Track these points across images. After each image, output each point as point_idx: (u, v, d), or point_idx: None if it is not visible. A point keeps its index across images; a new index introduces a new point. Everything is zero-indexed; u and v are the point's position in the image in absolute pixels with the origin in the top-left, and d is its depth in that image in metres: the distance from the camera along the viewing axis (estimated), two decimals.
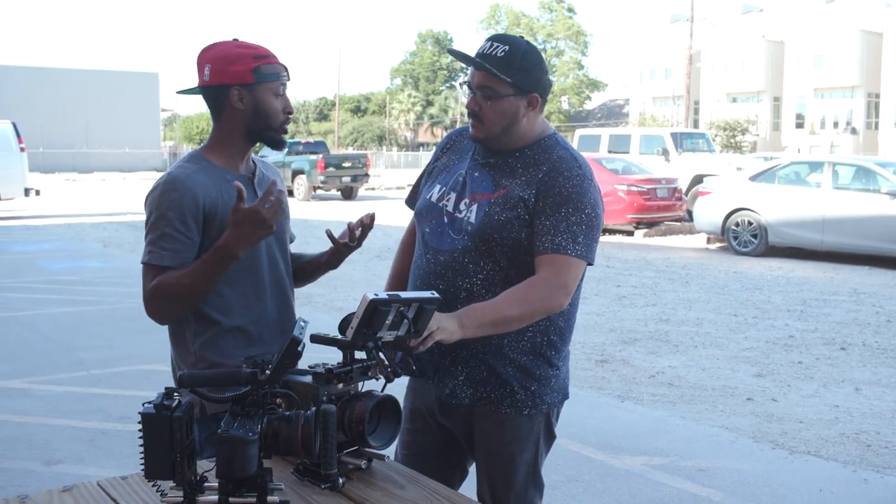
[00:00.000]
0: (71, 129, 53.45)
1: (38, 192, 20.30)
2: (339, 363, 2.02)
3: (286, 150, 28.56)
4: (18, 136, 19.48)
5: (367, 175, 27.88)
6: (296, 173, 27.06)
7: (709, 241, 15.69)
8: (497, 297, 2.33)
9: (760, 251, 13.88)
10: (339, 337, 2.00)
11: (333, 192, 28.41)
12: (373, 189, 33.47)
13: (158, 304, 2.33)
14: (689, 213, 17.29)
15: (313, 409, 1.81)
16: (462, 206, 2.48)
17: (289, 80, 2.49)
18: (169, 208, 2.32)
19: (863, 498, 4.44)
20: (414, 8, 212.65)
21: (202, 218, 2.36)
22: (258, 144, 2.51)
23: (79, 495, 1.93)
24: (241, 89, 2.39)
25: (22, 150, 19.54)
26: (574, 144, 22.43)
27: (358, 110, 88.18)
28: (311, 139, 33.74)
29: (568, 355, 2.63)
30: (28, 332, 7.90)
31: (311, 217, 20.28)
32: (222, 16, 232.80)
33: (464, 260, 2.43)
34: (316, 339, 2.12)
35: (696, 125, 55.83)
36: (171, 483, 1.80)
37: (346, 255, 2.63)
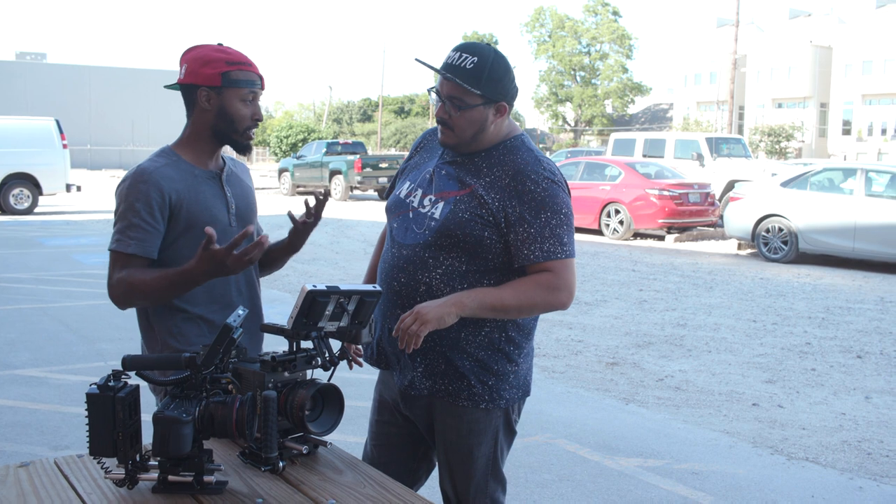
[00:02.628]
0: (118, 127, 54.41)
1: (79, 188, 20.77)
2: (284, 352, 2.11)
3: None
4: (61, 132, 19.92)
5: None
6: (333, 173, 27.32)
7: (739, 246, 15.58)
8: (502, 286, 2.45)
9: (790, 258, 13.75)
10: (284, 326, 2.09)
11: (370, 192, 28.63)
12: None
13: (122, 295, 2.44)
14: (722, 218, 17.17)
15: (250, 393, 1.90)
16: (426, 202, 2.55)
17: (262, 89, 2.58)
18: (137, 199, 2.44)
19: None
20: (458, 10, 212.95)
21: (168, 210, 2.47)
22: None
23: (34, 471, 2.04)
24: (210, 91, 2.50)
25: (64, 146, 19.98)
26: (609, 148, 22.54)
27: (401, 111, 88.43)
28: (349, 140, 34.00)
29: (530, 353, 2.68)
30: (54, 323, 8.12)
31: (347, 217, 20.48)
32: (265, 16, 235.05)
33: (424, 255, 2.51)
34: (264, 328, 2.21)
35: (740, 130, 55.28)
36: (115, 460, 1.91)
37: (307, 233, 2.69)
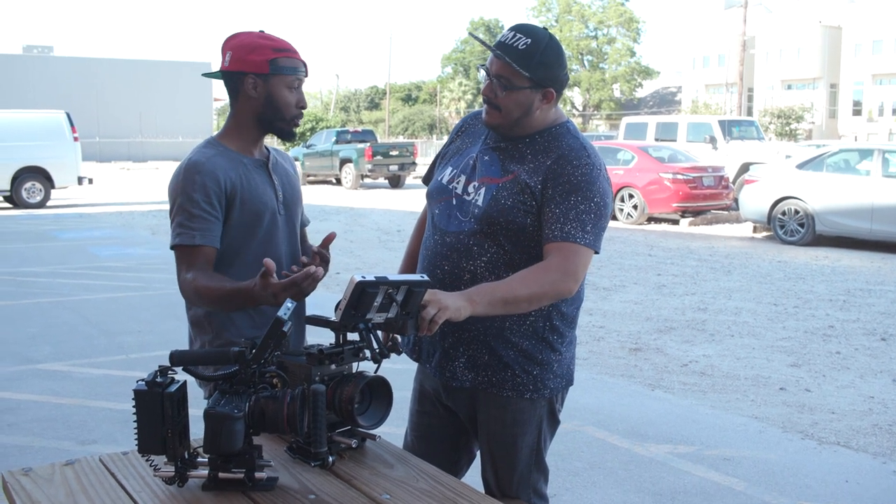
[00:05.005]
0: (126, 119, 54.37)
1: (91, 181, 20.76)
2: (331, 344, 2.07)
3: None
4: (72, 125, 19.91)
5: (414, 163, 27.95)
6: (343, 162, 27.27)
7: (755, 230, 15.49)
8: (508, 278, 2.35)
9: (807, 240, 13.66)
10: (332, 319, 2.05)
11: (381, 180, 28.58)
12: (420, 177, 33.56)
13: (191, 298, 2.42)
14: (737, 201, 17.07)
15: (300, 388, 1.86)
16: (471, 189, 2.50)
17: (306, 76, 2.55)
18: (194, 190, 2.39)
19: (890, 490, 4.38)
20: None
21: (224, 198, 2.43)
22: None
23: (80, 469, 2.00)
24: (257, 78, 2.46)
25: (75, 139, 19.97)
26: (620, 133, 22.43)
27: (409, 99, 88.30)
28: (359, 128, 33.95)
29: (573, 341, 2.63)
30: (73, 316, 8.10)
31: (358, 206, 20.45)
32: (272, 5, 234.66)
33: (469, 242, 2.46)
34: (310, 320, 2.17)
35: (749, 113, 54.97)
36: (164, 458, 1.87)
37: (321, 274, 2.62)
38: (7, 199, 19.82)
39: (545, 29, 2.44)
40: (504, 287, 2.31)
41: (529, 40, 2.36)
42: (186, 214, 2.39)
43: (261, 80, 2.46)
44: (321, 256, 2.47)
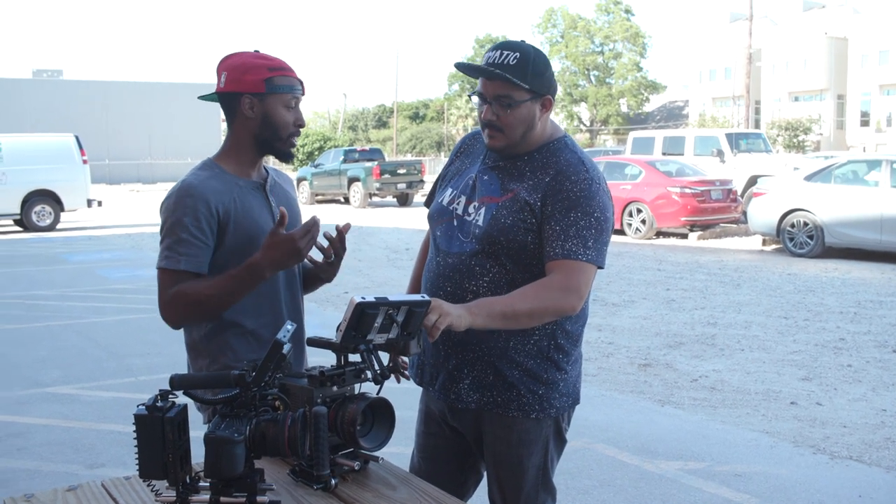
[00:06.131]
0: (135, 141, 54.63)
1: (100, 203, 20.84)
2: (332, 366, 2.06)
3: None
4: (81, 148, 20.02)
5: (422, 181, 27.99)
6: (351, 181, 27.32)
7: (764, 242, 15.44)
8: (509, 294, 2.34)
9: (817, 252, 13.61)
10: (332, 340, 2.04)
11: (389, 198, 28.63)
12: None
13: (177, 310, 2.38)
14: (745, 214, 17.03)
15: (301, 410, 1.85)
16: (471, 210, 2.49)
17: (303, 94, 2.53)
18: (185, 214, 2.38)
19: None
20: (470, 13, 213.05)
21: (216, 223, 2.41)
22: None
23: (82, 494, 1.99)
24: (253, 98, 2.44)
25: (84, 162, 20.07)
26: (628, 147, 22.42)
27: (416, 117, 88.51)
28: (366, 147, 34.00)
29: (579, 359, 2.61)
30: (82, 339, 8.12)
31: (367, 224, 20.45)
32: (277, 25, 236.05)
33: (471, 262, 2.45)
34: (311, 342, 2.17)
35: (757, 125, 54.93)
36: (165, 482, 1.86)
37: (337, 267, 2.64)
38: (17, 222, 19.92)
39: (524, 41, 2.45)
40: (503, 301, 2.30)
41: (517, 54, 2.36)
42: (175, 238, 2.38)
43: (257, 99, 2.44)
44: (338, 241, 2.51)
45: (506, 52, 2.37)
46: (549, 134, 2.51)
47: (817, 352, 7.35)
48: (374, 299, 1.94)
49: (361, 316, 1.93)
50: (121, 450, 5.01)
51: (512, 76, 2.34)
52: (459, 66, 2.51)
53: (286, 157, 2.54)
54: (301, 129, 2.56)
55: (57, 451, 5.06)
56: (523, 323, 2.35)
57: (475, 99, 2.46)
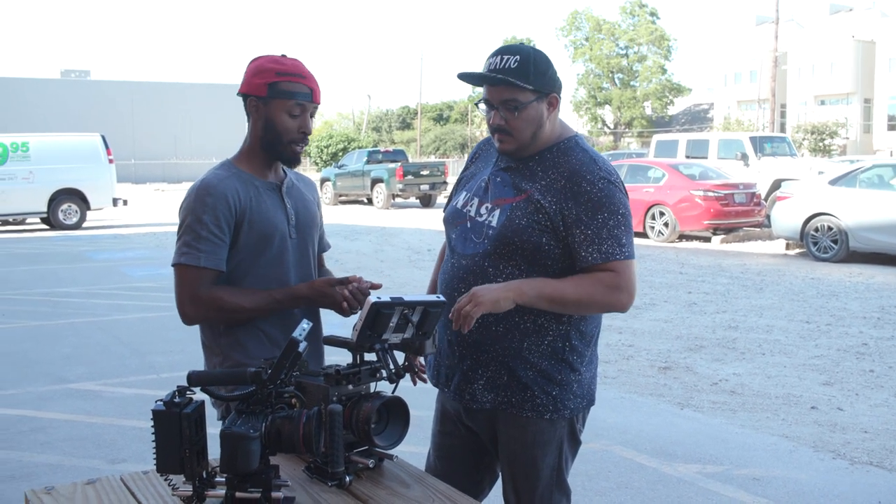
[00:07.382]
0: (161, 141, 55.00)
1: (125, 202, 21.06)
2: (348, 364, 2.08)
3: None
4: (107, 148, 20.23)
5: (445, 182, 28.02)
6: (375, 182, 27.40)
7: (788, 246, 15.34)
8: (563, 278, 2.39)
9: (840, 257, 13.50)
10: (349, 339, 2.06)
11: (412, 199, 28.68)
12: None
13: (206, 311, 2.43)
14: (769, 218, 16.92)
15: (316, 408, 1.88)
16: (483, 211, 2.52)
17: (313, 102, 2.52)
18: (204, 211, 2.42)
19: None
20: (495, 15, 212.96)
21: (233, 221, 2.45)
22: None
23: (101, 488, 2.03)
24: (258, 101, 2.49)
25: (110, 161, 20.28)
26: (651, 150, 22.32)
27: (440, 118, 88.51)
28: (390, 148, 34.08)
29: (593, 360, 2.62)
30: (106, 336, 8.20)
31: (390, 225, 20.52)
32: (303, 27, 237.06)
33: (484, 264, 2.47)
34: (328, 340, 2.19)
35: (782, 129, 54.52)
36: (182, 477, 1.89)
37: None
38: (44, 220, 20.15)
39: (523, 43, 2.48)
40: (554, 285, 2.36)
41: (517, 56, 2.39)
42: (194, 235, 2.42)
43: (261, 103, 2.49)
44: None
45: (506, 57, 2.41)
46: (558, 133, 2.53)
47: (839, 357, 7.30)
48: (389, 299, 1.97)
49: (377, 315, 1.96)
50: (142, 446, 5.07)
51: (515, 79, 2.38)
52: (462, 76, 2.54)
53: (289, 162, 2.57)
54: (307, 137, 2.57)
55: (79, 446, 5.13)
56: (570, 310, 2.42)
57: (482, 106, 2.49)
